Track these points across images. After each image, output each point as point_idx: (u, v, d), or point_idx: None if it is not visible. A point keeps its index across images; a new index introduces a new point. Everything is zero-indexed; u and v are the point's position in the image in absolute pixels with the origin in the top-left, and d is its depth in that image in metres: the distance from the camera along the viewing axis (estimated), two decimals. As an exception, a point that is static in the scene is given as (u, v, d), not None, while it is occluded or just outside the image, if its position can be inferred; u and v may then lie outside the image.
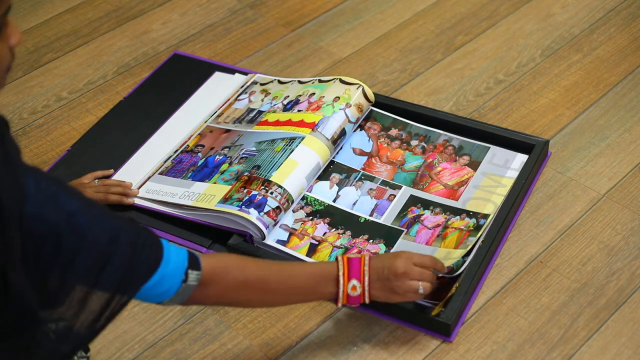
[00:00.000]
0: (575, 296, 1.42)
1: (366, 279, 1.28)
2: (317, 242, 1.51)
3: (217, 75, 1.90)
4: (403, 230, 1.51)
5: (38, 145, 1.79)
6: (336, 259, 1.28)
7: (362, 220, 1.54)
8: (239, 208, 1.51)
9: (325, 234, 1.53)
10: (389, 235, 1.51)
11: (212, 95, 1.84)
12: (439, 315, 1.36)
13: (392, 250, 1.48)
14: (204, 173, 1.62)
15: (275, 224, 1.52)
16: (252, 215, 1.49)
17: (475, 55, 1.91)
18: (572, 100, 1.78)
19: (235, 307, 1.43)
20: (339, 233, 1.52)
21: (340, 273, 1.27)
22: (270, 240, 1.50)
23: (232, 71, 1.90)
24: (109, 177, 1.66)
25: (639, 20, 1.97)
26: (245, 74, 1.89)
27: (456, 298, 1.38)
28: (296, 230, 1.53)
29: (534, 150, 1.62)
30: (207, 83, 1.88)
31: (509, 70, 1.87)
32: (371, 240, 1.51)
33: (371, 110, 1.74)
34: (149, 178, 1.65)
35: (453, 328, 1.37)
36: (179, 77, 1.91)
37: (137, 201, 1.61)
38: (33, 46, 2.02)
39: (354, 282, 1.27)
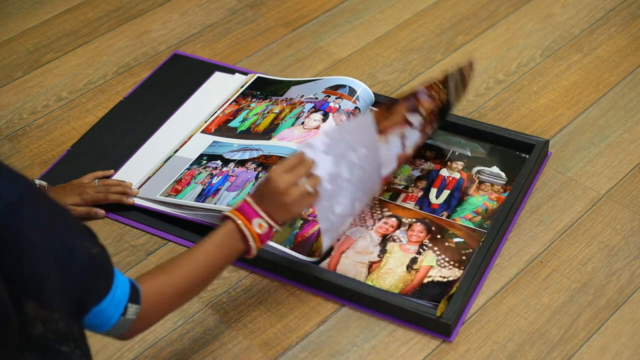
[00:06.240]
0: (575, 296, 1.42)
1: (262, 213, 1.26)
2: None
3: (217, 75, 1.90)
4: None
5: (38, 145, 1.79)
6: (224, 218, 1.26)
7: None
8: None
9: None
10: None
11: (212, 95, 1.84)
12: (442, 316, 1.36)
13: None
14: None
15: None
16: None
17: (475, 55, 1.91)
18: (572, 100, 1.78)
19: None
20: None
21: (240, 222, 1.24)
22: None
23: (232, 71, 1.90)
24: (109, 177, 1.66)
25: (639, 20, 1.97)
26: (245, 74, 1.89)
27: (456, 298, 1.38)
28: None
29: (534, 150, 1.62)
30: (207, 83, 1.88)
31: (509, 70, 1.87)
32: None
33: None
34: (149, 178, 1.65)
35: (453, 328, 1.37)
36: (179, 77, 1.91)
37: (137, 201, 1.61)
38: (33, 46, 2.02)
39: (257, 221, 1.26)
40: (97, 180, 1.62)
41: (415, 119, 1.55)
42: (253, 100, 1.80)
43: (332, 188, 1.37)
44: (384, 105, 1.52)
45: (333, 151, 1.37)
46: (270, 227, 1.27)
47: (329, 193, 1.37)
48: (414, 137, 1.57)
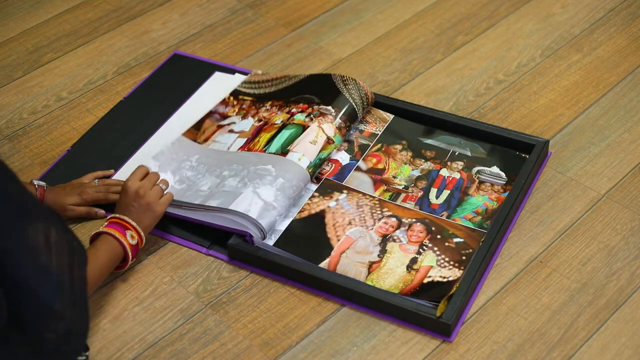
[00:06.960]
0: (575, 296, 1.42)
1: (132, 223, 1.42)
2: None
3: (217, 75, 1.90)
4: None
5: (38, 145, 1.79)
6: (100, 234, 1.40)
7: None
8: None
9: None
10: None
11: (212, 95, 1.84)
12: (442, 316, 1.36)
13: None
14: None
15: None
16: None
17: (475, 55, 1.91)
18: (572, 100, 1.78)
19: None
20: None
21: (117, 236, 1.40)
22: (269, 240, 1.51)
23: (232, 71, 1.90)
24: (109, 177, 1.66)
25: (639, 20, 1.97)
26: (245, 74, 1.89)
27: (456, 298, 1.38)
28: None
29: (534, 150, 1.62)
30: (207, 83, 1.88)
31: (509, 70, 1.87)
32: None
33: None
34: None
35: (453, 328, 1.37)
36: (179, 77, 1.91)
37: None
38: (33, 46, 2.02)
39: (129, 232, 1.41)
40: (97, 180, 1.62)
41: (232, 119, 1.74)
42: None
43: (186, 184, 1.58)
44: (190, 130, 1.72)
45: (167, 168, 1.61)
46: (140, 237, 1.43)
47: (186, 188, 1.57)
48: (244, 124, 1.72)
